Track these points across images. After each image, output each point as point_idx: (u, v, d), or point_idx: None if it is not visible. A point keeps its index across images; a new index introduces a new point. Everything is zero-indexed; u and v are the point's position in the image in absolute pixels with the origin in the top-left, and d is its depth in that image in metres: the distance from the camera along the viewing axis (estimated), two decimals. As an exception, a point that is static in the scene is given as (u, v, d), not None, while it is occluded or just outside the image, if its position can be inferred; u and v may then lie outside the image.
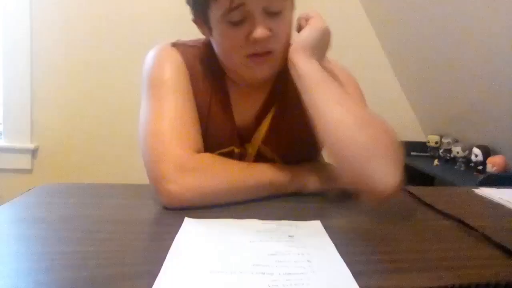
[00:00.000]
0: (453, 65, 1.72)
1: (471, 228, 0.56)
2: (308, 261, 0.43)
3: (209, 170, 0.63)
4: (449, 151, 1.94)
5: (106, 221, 0.56)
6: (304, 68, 0.65)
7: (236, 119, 0.76)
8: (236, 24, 0.63)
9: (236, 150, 0.77)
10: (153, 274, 0.39)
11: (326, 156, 0.70)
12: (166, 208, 0.61)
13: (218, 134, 0.75)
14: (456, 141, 1.94)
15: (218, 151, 0.73)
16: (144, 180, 0.67)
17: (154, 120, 0.66)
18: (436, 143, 2.08)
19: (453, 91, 1.84)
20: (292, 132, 0.77)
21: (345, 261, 0.44)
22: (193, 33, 0.75)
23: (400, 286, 0.40)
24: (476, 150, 1.72)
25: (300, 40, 0.67)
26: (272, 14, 0.64)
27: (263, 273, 0.40)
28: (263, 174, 0.67)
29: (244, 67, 0.68)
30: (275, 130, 0.77)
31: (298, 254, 0.45)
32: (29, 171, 2.10)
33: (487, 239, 0.52)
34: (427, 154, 2.14)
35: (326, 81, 0.65)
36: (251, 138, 0.78)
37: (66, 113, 2.08)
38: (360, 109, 0.64)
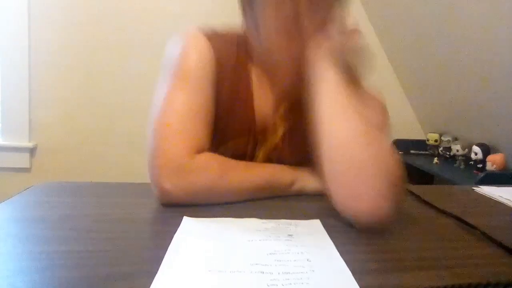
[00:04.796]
0: (452, 64, 1.72)
1: (471, 226, 0.56)
2: (308, 260, 0.43)
3: (205, 172, 0.63)
4: (449, 149, 1.94)
5: (104, 220, 0.56)
6: (321, 70, 0.63)
7: (255, 111, 0.75)
8: None
9: (252, 139, 0.75)
10: (151, 273, 0.39)
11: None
12: (163, 205, 0.61)
13: (236, 126, 0.74)
14: (455, 139, 1.94)
15: (234, 141, 0.73)
16: (143, 179, 0.67)
17: (165, 111, 0.66)
18: (436, 141, 2.08)
19: (453, 89, 1.84)
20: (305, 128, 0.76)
21: (344, 260, 0.43)
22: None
23: (400, 285, 0.40)
24: (475, 148, 1.72)
25: (330, 43, 0.64)
26: None
27: (262, 272, 0.40)
28: (261, 177, 0.67)
29: (280, 35, 0.67)
30: (289, 122, 0.75)
31: (298, 253, 0.45)
32: (27, 170, 2.09)
33: (487, 237, 0.52)
34: (426, 152, 2.14)
35: (340, 89, 0.62)
36: (266, 128, 0.76)
37: (65, 112, 2.08)
38: (368, 128, 0.60)
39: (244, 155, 0.75)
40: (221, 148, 0.70)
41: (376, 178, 0.55)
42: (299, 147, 0.75)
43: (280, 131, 0.76)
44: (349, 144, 0.57)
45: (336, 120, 0.60)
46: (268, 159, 0.76)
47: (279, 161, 0.74)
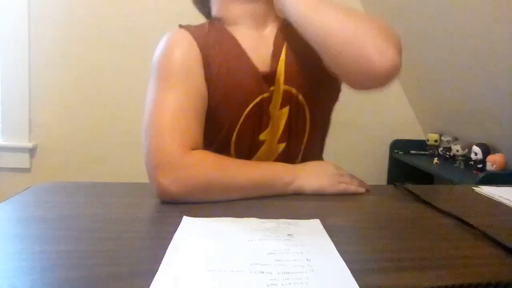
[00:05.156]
0: (452, 64, 1.72)
1: (471, 226, 0.56)
2: (307, 260, 0.43)
3: (201, 167, 0.64)
4: (449, 149, 1.94)
5: (103, 220, 0.56)
6: None
7: (256, 65, 0.75)
8: None
9: (265, 95, 0.75)
10: (151, 273, 0.39)
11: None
12: (163, 202, 0.62)
13: (244, 83, 0.74)
14: (455, 140, 1.94)
15: (250, 106, 0.74)
16: (143, 178, 0.67)
17: (156, 113, 0.67)
18: (436, 141, 2.08)
19: (453, 89, 1.84)
20: (309, 64, 0.75)
21: (344, 259, 0.43)
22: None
23: (400, 285, 0.40)
24: (475, 149, 1.72)
25: None
26: None
27: (262, 272, 0.40)
28: (259, 173, 0.67)
29: None
30: (292, 65, 0.76)
31: (297, 253, 0.45)
32: (27, 170, 2.09)
33: (487, 237, 0.52)
34: (426, 152, 2.14)
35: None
36: (272, 75, 0.76)
37: (65, 112, 2.08)
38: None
39: (262, 109, 0.75)
40: (241, 117, 0.74)
41: (374, 34, 0.62)
42: (305, 68, 0.76)
43: (282, 65, 0.75)
44: (334, 17, 0.66)
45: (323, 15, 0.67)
46: (287, 101, 0.76)
47: (301, 95, 0.76)
